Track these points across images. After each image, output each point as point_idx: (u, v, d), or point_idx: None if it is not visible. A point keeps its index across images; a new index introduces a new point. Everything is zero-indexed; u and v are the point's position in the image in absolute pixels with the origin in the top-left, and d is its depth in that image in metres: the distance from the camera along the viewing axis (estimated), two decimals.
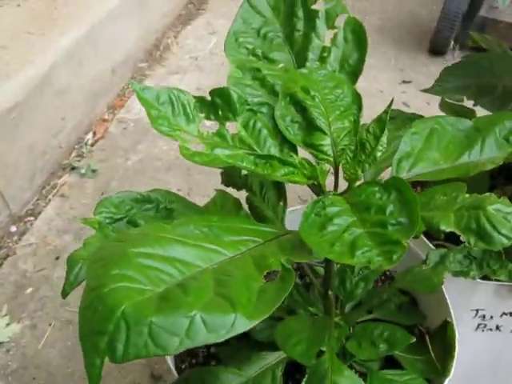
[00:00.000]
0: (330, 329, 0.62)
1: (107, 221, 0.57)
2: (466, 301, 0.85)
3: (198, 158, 0.52)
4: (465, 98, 0.67)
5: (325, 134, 0.54)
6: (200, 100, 0.58)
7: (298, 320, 0.65)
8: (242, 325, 0.38)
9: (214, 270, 0.44)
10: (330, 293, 0.65)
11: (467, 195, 0.46)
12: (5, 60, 1.32)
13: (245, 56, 0.64)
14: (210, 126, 0.60)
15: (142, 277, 0.41)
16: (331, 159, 0.54)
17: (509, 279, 0.61)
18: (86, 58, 1.48)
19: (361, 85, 1.94)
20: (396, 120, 0.74)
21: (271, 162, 0.51)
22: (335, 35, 0.62)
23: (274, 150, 0.55)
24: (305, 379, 0.58)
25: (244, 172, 0.74)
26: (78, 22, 1.46)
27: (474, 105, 0.70)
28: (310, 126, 0.54)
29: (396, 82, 1.76)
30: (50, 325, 1.17)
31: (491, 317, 0.87)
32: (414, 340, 0.66)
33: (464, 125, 0.59)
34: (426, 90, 0.74)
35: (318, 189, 0.53)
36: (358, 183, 0.51)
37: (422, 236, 0.83)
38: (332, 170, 0.54)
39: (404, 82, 1.76)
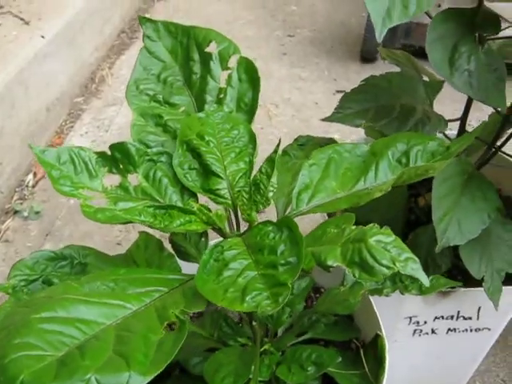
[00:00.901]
0: (256, 358, 0.64)
1: (22, 283, 0.58)
2: (397, 311, 0.88)
3: (100, 216, 0.54)
4: (363, 124, 0.70)
5: (221, 178, 0.56)
6: (101, 155, 0.59)
7: (226, 353, 0.67)
8: (137, 382, 0.40)
9: (117, 325, 0.45)
10: (254, 323, 0.67)
11: (353, 227, 0.49)
12: None
13: (147, 103, 0.65)
14: (117, 178, 0.61)
15: (42, 343, 0.42)
16: (229, 202, 0.56)
17: (420, 292, 0.64)
18: (18, 100, 1.48)
19: (296, 98, 1.97)
20: (306, 146, 0.76)
21: (170, 212, 0.52)
22: (230, 76, 0.64)
23: (176, 198, 0.57)
24: None
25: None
26: (5, 66, 1.45)
27: (373, 127, 0.73)
28: (207, 172, 0.56)
29: (330, 93, 1.80)
30: None
31: (425, 322, 0.90)
32: (340, 360, 0.68)
33: (361, 150, 0.62)
34: (325, 119, 0.76)
35: (219, 232, 0.55)
36: (256, 223, 0.53)
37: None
38: (233, 213, 0.56)
39: (338, 91, 1.80)
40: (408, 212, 0.93)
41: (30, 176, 1.54)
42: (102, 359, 0.41)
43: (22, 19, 1.60)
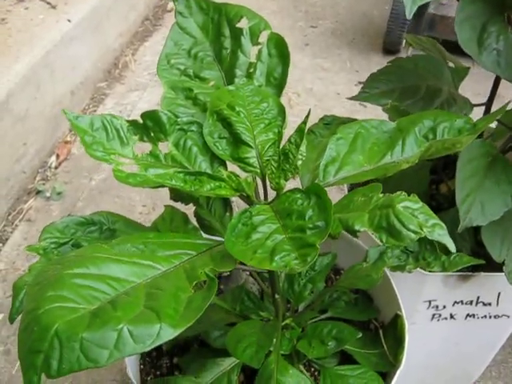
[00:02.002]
0: (278, 331, 0.65)
1: (52, 246, 0.59)
2: (417, 293, 0.88)
3: (131, 180, 0.55)
4: (389, 103, 0.70)
5: (250, 147, 0.57)
6: (133, 123, 0.60)
7: (248, 325, 0.68)
8: (167, 334, 0.41)
9: (147, 284, 0.47)
10: (276, 296, 0.68)
11: (381, 195, 0.49)
12: None
13: (177, 77, 0.66)
14: (148, 147, 0.62)
15: (75, 296, 0.44)
16: (258, 170, 0.57)
17: (442, 269, 0.64)
18: (44, 83, 1.50)
19: (318, 88, 1.98)
20: (331, 125, 0.77)
21: (200, 178, 0.53)
22: (260, 51, 0.65)
23: (205, 166, 0.58)
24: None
25: None
26: (32, 48, 1.48)
27: (399, 107, 0.73)
28: (237, 141, 0.57)
29: (352, 84, 1.80)
30: None
31: (444, 306, 0.90)
32: (360, 335, 0.69)
33: (387, 126, 0.62)
34: (351, 98, 0.77)
35: (247, 200, 0.56)
36: (284, 191, 0.54)
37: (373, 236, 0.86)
38: (261, 182, 0.57)
39: (360, 82, 1.80)
40: (429, 198, 0.93)
41: (53, 158, 1.56)
42: (134, 312, 0.42)
43: (48, 3, 1.62)
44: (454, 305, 0.90)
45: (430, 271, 0.65)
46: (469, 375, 1.10)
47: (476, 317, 0.92)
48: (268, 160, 0.56)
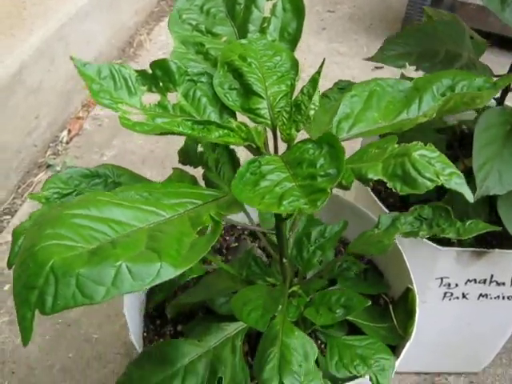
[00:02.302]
0: (285, 295, 0.63)
1: (55, 196, 0.58)
2: (429, 270, 0.86)
3: (138, 128, 0.53)
4: (407, 65, 0.68)
5: (261, 98, 0.55)
6: (141, 73, 0.59)
7: (255, 289, 0.66)
8: (168, 273, 0.39)
9: (150, 228, 0.45)
10: (284, 260, 0.66)
11: (396, 145, 0.47)
12: None
13: (189, 32, 0.65)
14: (156, 98, 0.61)
15: (74, 235, 0.42)
16: (268, 122, 0.55)
17: (457, 235, 0.62)
18: (58, 56, 1.49)
19: (333, 72, 1.95)
20: (346, 90, 0.74)
21: (209, 127, 0.52)
22: (274, 5, 0.63)
23: (214, 117, 0.56)
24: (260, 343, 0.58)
25: (200, 149, 0.76)
26: (47, 21, 1.47)
27: (416, 70, 0.71)
28: (248, 92, 0.55)
29: (369, 69, 1.77)
30: None
31: (456, 285, 0.88)
32: (370, 303, 0.67)
33: (404, 86, 0.60)
34: (368, 59, 0.75)
35: (257, 151, 0.54)
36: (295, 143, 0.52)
37: (381, 205, 0.84)
38: (272, 134, 0.55)
39: (376, 67, 1.77)
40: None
41: (65, 132, 1.55)
42: (134, 252, 0.41)
43: None
44: (466, 283, 0.87)
45: (441, 242, 0.62)
46: (479, 359, 1.07)
47: (489, 297, 0.90)
48: (279, 111, 0.54)
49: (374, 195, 0.89)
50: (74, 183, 0.59)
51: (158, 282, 0.39)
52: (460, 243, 0.84)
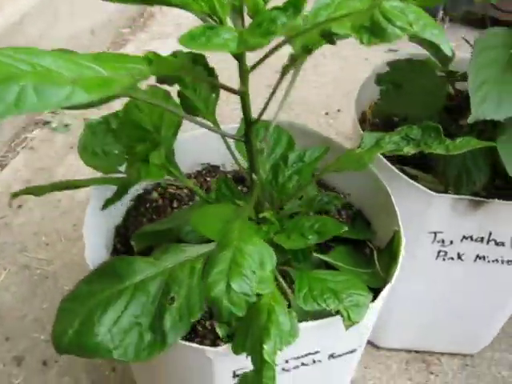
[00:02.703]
0: (248, 211, 0.57)
1: None
2: (422, 221, 0.79)
3: None
4: None
5: None
6: None
7: (219, 207, 0.60)
8: (79, 97, 0.34)
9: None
10: (254, 177, 0.60)
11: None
12: None
13: None
14: None
15: None
16: None
17: (445, 151, 0.55)
18: (61, 12, 1.46)
19: (346, 52, 1.89)
20: None
21: None
22: None
23: None
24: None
25: None
26: None
27: None
28: None
29: (382, 50, 1.72)
30: (6, 269, 1.13)
31: (451, 242, 0.81)
32: (346, 229, 0.61)
33: None
34: None
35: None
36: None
37: (384, 159, 0.78)
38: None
39: (390, 50, 1.71)
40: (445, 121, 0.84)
41: None
42: (49, 79, 0.35)
43: None
44: (462, 240, 0.80)
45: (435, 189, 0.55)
46: (476, 338, 0.99)
47: (486, 259, 0.82)
48: None
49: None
50: None
51: (66, 104, 0.33)
52: (456, 194, 0.78)
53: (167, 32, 1.74)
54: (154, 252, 0.64)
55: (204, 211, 0.59)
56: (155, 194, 0.82)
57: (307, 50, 0.41)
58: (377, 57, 1.71)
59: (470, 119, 0.60)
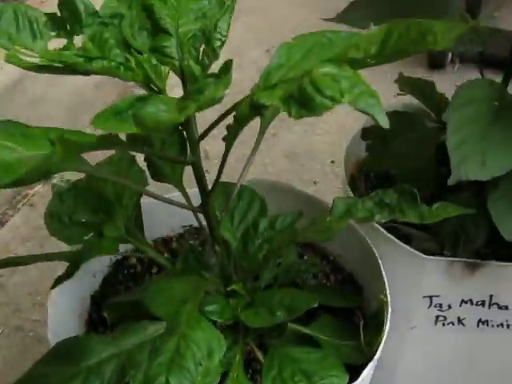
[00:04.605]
0: (205, 287, 0.53)
1: None
2: (416, 285, 0.73)
3: (23, 63, 0.46)
4: (372, 26, 0.58)
5: (170, 35, 0.46)
6: (52, 17, 0.52)
7: (179, 281, 0.56)
8: None
9: None
10: (217, 248, 0.56)
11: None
12: None
13: None
14: None
15: None
16: (176, 62, 0.46)
17: (419, 220, 0.50)
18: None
19: None
20: None
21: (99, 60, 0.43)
22: None
23: (120, 59, 0.48)
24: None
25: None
26: None
27: None
28: (157, 30, 0.47)
29: (390, 95, 1.66)
30: None
31: (449, 306, 0.75)
32: (317, 304, 0.56)
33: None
34: (327, 19, 0.65)
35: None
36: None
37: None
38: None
39: (398, 94, 1.67)
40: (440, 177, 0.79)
41: None
42: None
43: None
44: (461, 305, 0.74)
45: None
46: None
47: (490, 324, 0.75)
48: (188, 49, 0.46)
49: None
50: None
51: None
52: (453, 256, 0.72)
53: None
54: (114, 329, 0.59)
55: (161, 286, 0.55)
56: (133, 260, 0.79)
57: (241, 122, 0.37)
58: (386, 101, 1.67)
59: (450, 181, 0.55)
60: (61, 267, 1.22)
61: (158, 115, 0.32)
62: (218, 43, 0.43)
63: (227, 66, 0.38)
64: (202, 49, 0.45)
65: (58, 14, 0.52)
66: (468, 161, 0.55)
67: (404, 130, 0.73)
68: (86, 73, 0.44)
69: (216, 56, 0.44)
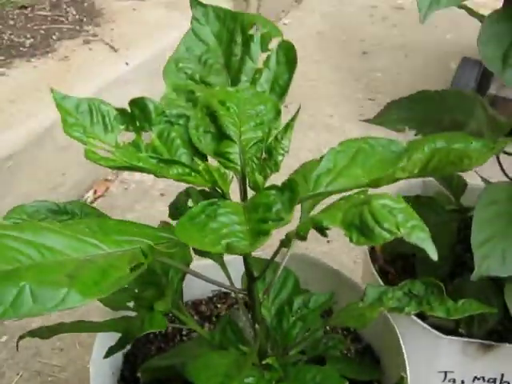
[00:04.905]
0: (250, 363, 0.57)
1: None
2: (431, 361, 0.78)
3: (103, 161, 0.51)
4: (407, 129, 0.64)
5: (233, 142, 0.52)
6: (121, 111, 0.57)
7: (221, 355, 0.61)
8: (74, 299, 0.35)
9: (84, 259, 0.42)
10: (257, 326, 0.61)
11: (362, 196, 0.43)
12: (10, 112, 1.37)
13: (183, 80, 0.63)
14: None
15: None
16: (238, 167, 0.51)
17: (446, 315, 0.55)
18: None
19: None
20: None
21: (173, 166, 0.49)
22: (268, 57, 0.62)
23: (185, 159, 0.54)
24: None
25: (190, 204, 0.73)
26: (86, 84, 1.52)
27: (416, 135, 0.67)
28: (221, 135, 0.53)
29: None
30: (18, 374, 1.13)
31: (462, 382, 0.79)
32: None
33: (397, 146, 0.56)
34: (366, 120, 0.71)
35: (221, 197, 0.50)
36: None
37: (380, 280, 0.78)
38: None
39: None
40: (457, 256, 0.84)
41: (91, 192, 1.56)
42: (47, 276, 0.37)
43: (111, 47, 1.68)
44: (474, 380, 0.78)
45: (446, 330, 0.56)
46: None
47: None
48: (250, 157, 0.51)
49: (379, 278, 0.83)
50: (40, 217, 0.57)
51: (61, 308, 0.35)
52: (468, 334, 0.76)
53: None
54: None
55: (205, 361, 0.59)
56: None
57: (301, 237, 0.42)
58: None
59: (474, 276, 0.61)
60: (80, 313, 1.26)
61: (239, 245, 0.37)
62: (280, 158, 0.48)
63: (292, 184, 0.43)
64: (262, 157, 0.50)
65: (128, 110, 0.58)
66: (490, 259, 0.60)
67: (425, 213, 0.78)
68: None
69: (277, 169, 0.49)
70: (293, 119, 0.50)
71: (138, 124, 0.56)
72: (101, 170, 1.61)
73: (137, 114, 0.56)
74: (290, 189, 0.44)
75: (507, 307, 0.77)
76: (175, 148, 0.54)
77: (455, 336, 0.75)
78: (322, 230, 0.41)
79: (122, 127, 0.57)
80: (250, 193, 0.52)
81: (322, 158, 0.55)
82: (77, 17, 1.89)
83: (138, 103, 0.56)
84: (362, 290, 0.76)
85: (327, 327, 0.79)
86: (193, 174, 0.48)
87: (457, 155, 0.48)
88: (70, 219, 0.58)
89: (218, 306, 0.86)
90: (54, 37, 1.75)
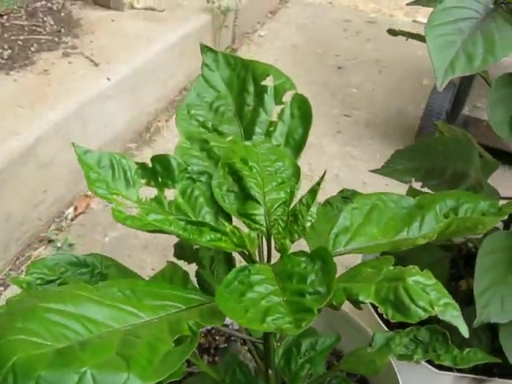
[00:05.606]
0: None
1: (38, 281, 0.56)
2: None
3: (129, 222, 0.52)
4: (413, 180, 0.67)
5: (259, 203, 0.54)
6: (142, 166, 0.58)
7: None
8: None
9: (126, 331, 0.43)
10: (270, 372, 0.63)
11: (392, 267, 0.45)
12: None
13: (195, 128, 0.65)
14: (154, 192, 0.60)
15: (44, 331, 0.40)
16: (264, 229, 0.53)
17: (453, 364, 0.58)
18: (74, 134, 1.51)
19: (345, 175, 1.95)
20: (350, 200, 0.74)
21: (201, 228, 0.50)
22: (282, 110, 0.63)
23: (209, 218, 0.55)
24: None
25: (196, 246, 0.74)
26: (68, 99, 1.51)
27: (422, 187, 0.70)
28: (245, 196, 0.55)
29: (380, 176, 1.78)
30: None
31: None
32: None
33: (407, 202, 0.59)
34: (374, 171, 0.74)
35: (248, 258, 0.52)
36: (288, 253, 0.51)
37: (380, 321, 0.81)
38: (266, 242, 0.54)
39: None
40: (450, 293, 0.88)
41: (71, 209, 1.55)
42: (103, 357, 0.38)
43: (92, 61, 1.67)
44: None
45: (439, 365, 0.59)
46: None
47: None
48: (276, 219, 0.53)
49: (376, 315, 0.86)
50: (60, 270, 0.57)
51: None
52: (459, 369, 0.80)
53: (172, 148, 1.80)
54: None
55: None
56: None
57: (335, 307, 0.44)
58: (375, 180, 1.77)
59: (476, 323, 0.64)
60: None
61: (286, 327, 0.39)
62: (308, 224, 0.50)
63: (322, 254, 0.46)
64: (288, 219, 0.52)
65: (150, 164, 0.59)
66: (490, 306, 0.63)
67: (419, 252, 0.81)
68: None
69: (304, 233, 0.51)
70: (318, 183, 0.52)
71: (160, 180, 0.57)
72: (81, 185, 1.60)
73: (159, 170, 0.57)
74: (320, 257, 0.46)
75: (495, 342, 0.81)
76: (199, 206, 0.56)
77: (447, 371, 0.79)
78: (356, 303, 0.43)
79: (143, 182, 0.58)
80: (275, 253, 0.54)
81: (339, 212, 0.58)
82: (54, 27, 1.87)
83: (161, 160, 0.57)
84: (360, 324, 0.80)
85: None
86: (224, 238, 0.49)
87: (473, 222, 0.51)
88: (90, 271, 0.58)
89: (217, 338, 0.88)
90: (32, 48, 1.73)
